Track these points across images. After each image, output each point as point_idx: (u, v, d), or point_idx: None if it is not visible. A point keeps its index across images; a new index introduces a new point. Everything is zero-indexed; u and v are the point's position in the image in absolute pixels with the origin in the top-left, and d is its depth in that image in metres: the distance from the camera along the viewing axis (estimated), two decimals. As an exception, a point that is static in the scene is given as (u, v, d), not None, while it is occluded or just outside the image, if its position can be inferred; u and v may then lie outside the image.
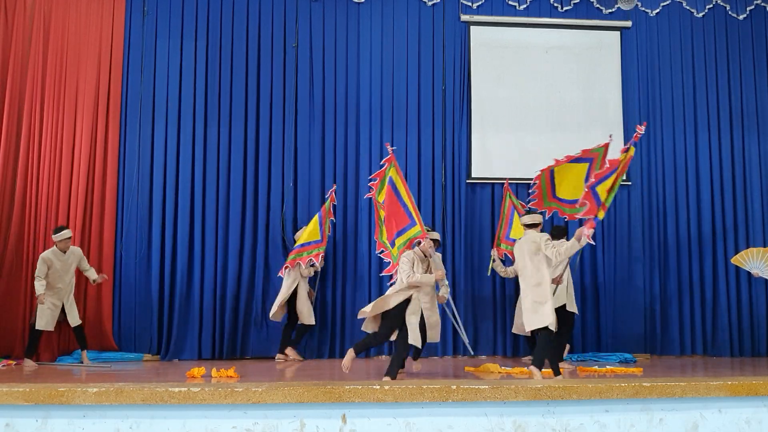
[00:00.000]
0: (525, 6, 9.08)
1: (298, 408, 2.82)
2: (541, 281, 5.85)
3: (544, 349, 5.80)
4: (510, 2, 9.09)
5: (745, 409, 3.08)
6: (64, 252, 7.32)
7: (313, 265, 7.93)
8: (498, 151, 8.84)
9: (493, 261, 7.97)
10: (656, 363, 7.43)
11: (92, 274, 7.55)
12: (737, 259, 7.77)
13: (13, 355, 7.59)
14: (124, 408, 2.80)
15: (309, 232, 7.91)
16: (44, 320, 7.19)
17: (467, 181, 8.74)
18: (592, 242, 5.76)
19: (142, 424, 2.80)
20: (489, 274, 8.25)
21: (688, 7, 9.30)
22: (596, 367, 7.21)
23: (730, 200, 9.03)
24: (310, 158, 8.57)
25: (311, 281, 8.13)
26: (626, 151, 5.95)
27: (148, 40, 8.50)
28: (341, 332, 8.32)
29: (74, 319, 7.35)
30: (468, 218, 8.67)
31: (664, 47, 9.21)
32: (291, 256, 7.88)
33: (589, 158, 7.27)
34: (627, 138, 9.00)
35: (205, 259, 8.21)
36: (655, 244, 8.79)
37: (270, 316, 7.87)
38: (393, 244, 6.32)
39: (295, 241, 8.05)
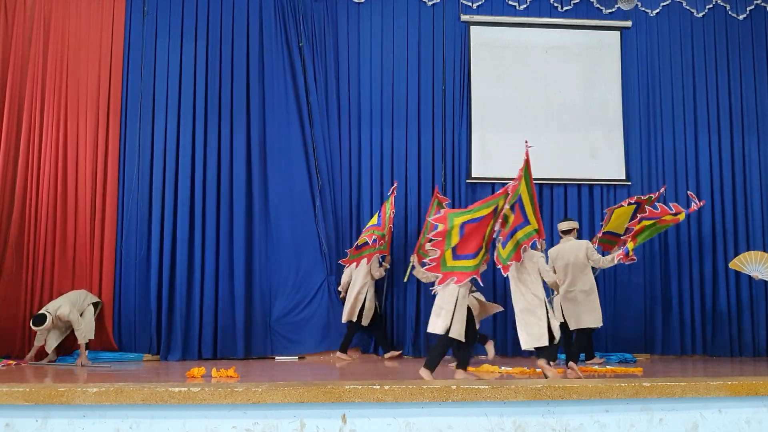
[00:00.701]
0: (525, 6, 9.08)
1: (298, 408, 2.82)
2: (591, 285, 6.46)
3: (579, 344, 6.40)
4: (510, 2, 9.09)
5: (745, 409, 3.08)
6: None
7: (382, 266, 8.01)
8: (498, 151, 8.84)
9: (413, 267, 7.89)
10: (656, 363, 7.43)
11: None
12: (735, 264, 7.78)
13: (13, 355, 7.59)
14: (124, 408, 2.80)
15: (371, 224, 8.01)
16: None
17: (467, 180, 8.74)
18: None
19: (142, 424, 2.80)
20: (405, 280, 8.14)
21: (688, 7, 9.30)
22: (596, 367, 7.21)
23: (729, 200, 9.03)
24: (310, 158, 8.55)
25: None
26: (677, 213, 6.94)
27: (148, 40, 8.50)
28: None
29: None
30: (468, 218, 8.65)
31: (664, 47, 9.21)
32: (354, 255, 7.96)
33: (638, 202, 8.03)
34: (627, 137, 9.01)
35: (205, 259, 8.21)
36: (655, 244, 8.79)
37: (344, 318, 7.89)
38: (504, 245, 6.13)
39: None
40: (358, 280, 7.88)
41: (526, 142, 6.47)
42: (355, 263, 7.97)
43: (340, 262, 8.25)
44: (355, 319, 7.85)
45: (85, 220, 8.09)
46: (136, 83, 8.41)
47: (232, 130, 8.48)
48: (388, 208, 8.01)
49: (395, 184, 8.32)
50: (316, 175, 8.48)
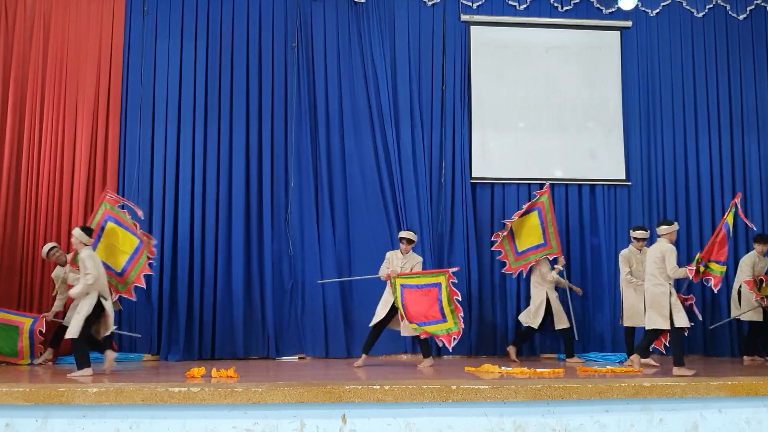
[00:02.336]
0: (525, 6, 9.08)
1: (298, 408, 2.82)
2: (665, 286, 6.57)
3: (679, 346, 6.41)
4: (510, 2, 9.09)
5: (745, 409, 3.08)
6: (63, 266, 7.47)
7: (553, 269, 7.99)
8: (498, 150, 8.84)
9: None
10: (656, 363, 7.43)
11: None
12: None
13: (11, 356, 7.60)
14: (124, 408, 2.81)
15: (525, 234, 7.99)
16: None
17: (468, 180, 8.74)
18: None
19: (142, 424, 2.81)
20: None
21: (688, 7, 9.30)
22: (596, 367, 7.21)
23: (729, 200, 9.01)
24: (310, 158, 8.56)
25: None
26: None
27: (148, 40, 8.49)
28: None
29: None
30: (468, 218, 8.67)
31: (664, 47, 9.21)
32: (516, 262, 8.02)
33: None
34: (627, 137, 9.02)
35: (205, 259, 8.21)
36: (656, 244, 8.79)
37: (535, 325, 7.86)
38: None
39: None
40: (536, 291, 7.93)
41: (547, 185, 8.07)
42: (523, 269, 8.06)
43: (503, 270, 8.22)
44: (536, 325, 7.85)
45: (85, 220, 8.08)
46: (136, 83, 8.40)
47: (232, 130, 8.47)
48: (549, 213, 8.06)
49: (547, 185, 8.25)
50: (315, 175, 8.50)
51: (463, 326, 7.19)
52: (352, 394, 2.88)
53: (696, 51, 9.25)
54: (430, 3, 8.96)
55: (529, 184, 8.82)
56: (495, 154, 8.84)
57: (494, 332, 8.59)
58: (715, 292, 7.05)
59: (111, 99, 8.34)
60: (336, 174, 8.60)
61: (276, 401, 2.86)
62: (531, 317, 7.88)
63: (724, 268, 6.60)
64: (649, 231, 7.86)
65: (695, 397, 3.12)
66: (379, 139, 8.64)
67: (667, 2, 9.27)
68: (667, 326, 6.47)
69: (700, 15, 9.30)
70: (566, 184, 8.86)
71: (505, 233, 8.11)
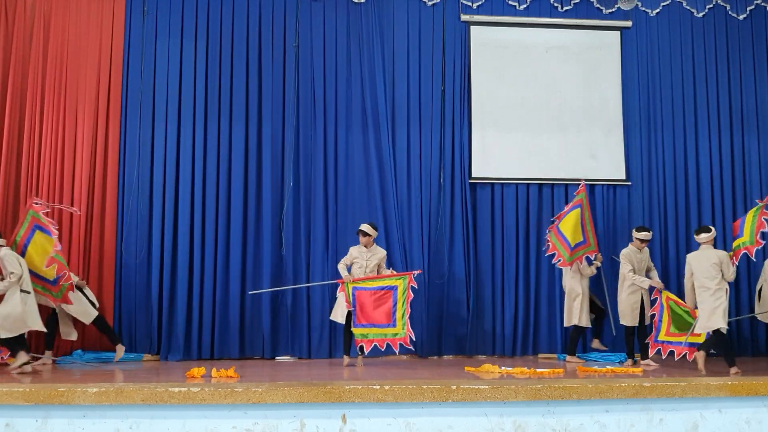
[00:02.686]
0: (525, 6, 9.08)
1: (298, 408, 2.82)
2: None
3: (726, 349, 6.80)
4: (510, 2, 9.09)
5: (745, 409, 3.08)
6: None
7: (591, 264, 8.06)
8: (498, 151, 8.84)
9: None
10: (656, 363, 7.43)
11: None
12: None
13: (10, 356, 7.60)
14: (124, 408, 2.81)
15: (573, 230, 7.96)
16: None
17: (468, 180, 8.74)
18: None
19: (142, 424, 2.81)
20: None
21: (688, 7, 9.30)
22: (596, 367, 7.22)
23: (729, 200, 9.03)
24: (310, 158, 8.56)
25: None
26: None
27: (148, 40, 8.49)
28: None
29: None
30: (468, 218, 8.67)
31: (664, 47, 9.21)
32: (571, 256, 7.94)
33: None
34: (627, 137, 9.02)
35: (205, 259, 8.21)
36: (656, 244, 8.79)
37: (583, 323, 7.87)
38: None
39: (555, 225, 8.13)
40: (574, 283, 7.96)
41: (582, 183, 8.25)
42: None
43: (557, 265, 8.13)
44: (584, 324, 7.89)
45: (86, 220, 8.09)
46: (136, 83, 8.40)
47: (231, 130, 8.47)
48: (586, 211, 8.10)
49: (583, 184, 8.28)
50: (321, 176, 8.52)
51: (411, 335, 7.25)
52: (352, 394, 2.88)
53: (696, 51, 9.25)
54: (430, 3, 8.96)
55: (529, 184, 8.82)
56: (495, 154, 8.83)
57: (494, 332, 8.59)
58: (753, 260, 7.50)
59: (111, 99, 8.34)
60: (336, 174, 8.60)
61: (276, 401, 2.85)
62: (583, 313, 7.91)
63: (741, 239, 7.13)
64: (652, 232, 7.92)
65: (695, 397, 3.11)
66: (378, 138, 8.63)
67: (667, 2, 9.27)
68: (725, 325, 6.72)
69: (700, 15, 9.30)
70: (566, 184, 8.85)
71: (552, 234, 8.12)
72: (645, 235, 7.75)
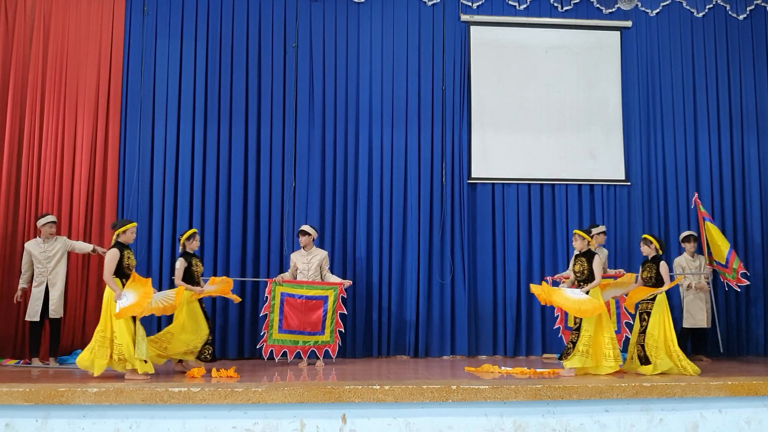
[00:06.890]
0: (525, 6, 9.08)
1: (298, 408, 2.82)
2: None
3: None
4: (510, 2, 9.09)
5: (745, 409, 3.08)
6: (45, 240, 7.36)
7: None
8: (498, 151, 8.84)
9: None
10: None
11: (85, 246, 7.51)
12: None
13: (8, 356, 7.60)
14: (124, 408, 2.81)
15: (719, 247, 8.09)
16: (29, 311, 7.31)
17: (467, 181, 8.74)
18: None
19: (142, 424, 2.81)
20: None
21: (688, 7, 9.30)
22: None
23: (729, 200, 9.03)
24: (310, 158, 8.56)
25: None
26: None
27: (148, 40, 8.49)
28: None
29: (53, 311, 7.31)
30: (468, 218, 8.67)
31: (664, 47, 9.21)
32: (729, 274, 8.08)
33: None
34: (627, 137, 9.02)
35: (205, 259, 8.20)
36: (655, 244, 8.78)
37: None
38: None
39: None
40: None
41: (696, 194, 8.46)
42: None
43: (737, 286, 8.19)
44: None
45: (86, 220, 8.08)
46: (136, 83, 8.40)
47: (231, 130, 8.48)
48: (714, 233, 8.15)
49: (696, 195, 8.46)
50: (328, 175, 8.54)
51: (339, 341, 7.34)
52: (352, 394, 2.88)
53: (696, 51, 9.25)
54: (429, 3, 8.96)
55: (529, 184, 8.83)
56: (494, 154, 8.84)
57: (494, 332, 8.59)
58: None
59: (111, 99, 8.34)
60: (335, 173, 8.60)
61: (276, 401, 2.86)
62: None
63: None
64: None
65: (695, 397, 3.11)
66: (378, 138, 8.65)
67: (667, 2, 9.27)
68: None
69: (700, 15, 9.31)
70: (566, 184, 8.86)
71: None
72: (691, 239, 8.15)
